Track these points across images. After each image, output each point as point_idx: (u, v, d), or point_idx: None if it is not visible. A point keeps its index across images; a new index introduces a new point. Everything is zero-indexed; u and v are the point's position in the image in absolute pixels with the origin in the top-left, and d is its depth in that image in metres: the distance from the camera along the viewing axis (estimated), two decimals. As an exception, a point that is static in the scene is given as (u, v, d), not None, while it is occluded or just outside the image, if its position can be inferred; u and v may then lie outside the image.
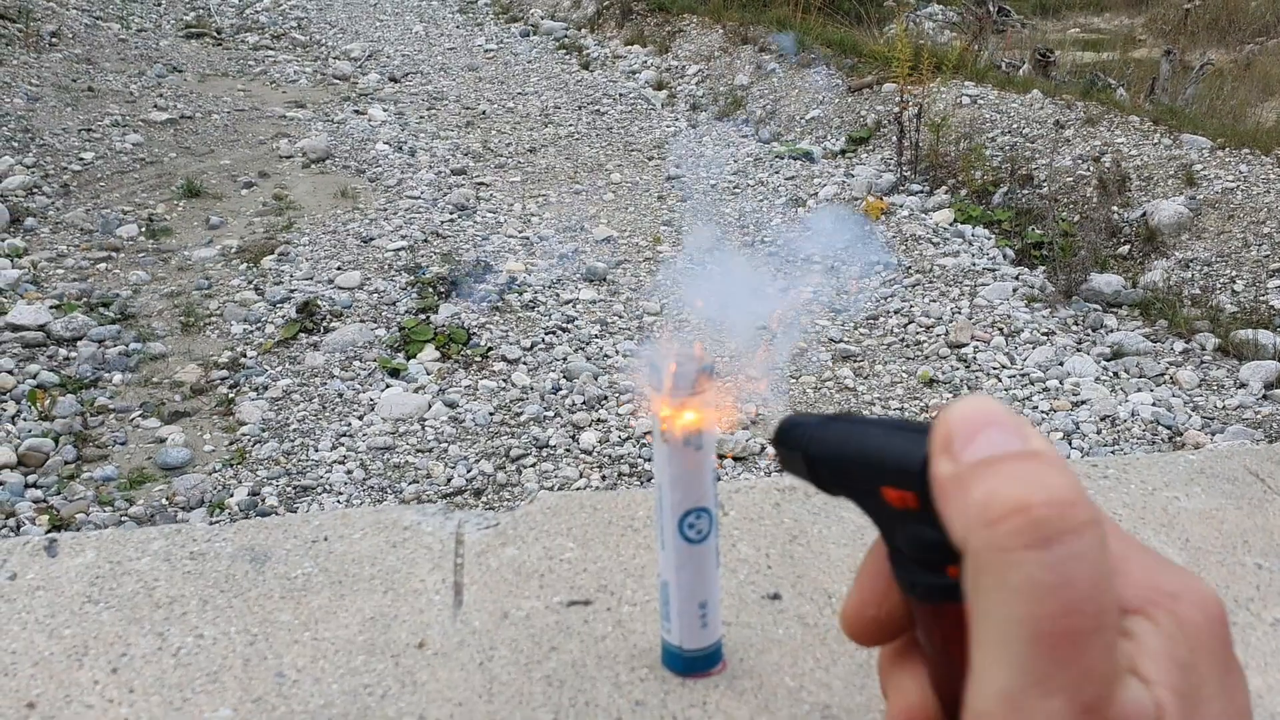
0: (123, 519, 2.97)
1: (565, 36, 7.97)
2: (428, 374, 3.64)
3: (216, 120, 6.68)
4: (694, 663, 0.52)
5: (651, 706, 0.50)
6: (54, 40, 8.05)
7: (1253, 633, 0.59)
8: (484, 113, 6.64)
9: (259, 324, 4.05)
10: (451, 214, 4.93)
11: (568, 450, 3.24)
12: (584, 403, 3.45)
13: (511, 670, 0.53)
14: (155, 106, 6.82)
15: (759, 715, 0.50)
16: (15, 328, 4.25)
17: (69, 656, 0.55)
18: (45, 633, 0.57)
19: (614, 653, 0.54)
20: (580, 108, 6.64)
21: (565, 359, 3.70)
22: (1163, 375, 3.72)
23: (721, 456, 3.20)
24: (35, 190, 5.52)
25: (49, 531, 2.84)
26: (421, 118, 6.55)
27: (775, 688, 0.52)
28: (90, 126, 6.45)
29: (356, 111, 6.64)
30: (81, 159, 5.97)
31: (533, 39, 8.06)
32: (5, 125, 6.27)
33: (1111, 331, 4.04)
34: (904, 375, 3.74)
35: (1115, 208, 4.73)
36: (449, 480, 3.11)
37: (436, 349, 3.79)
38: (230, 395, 3.55)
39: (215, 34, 8.82)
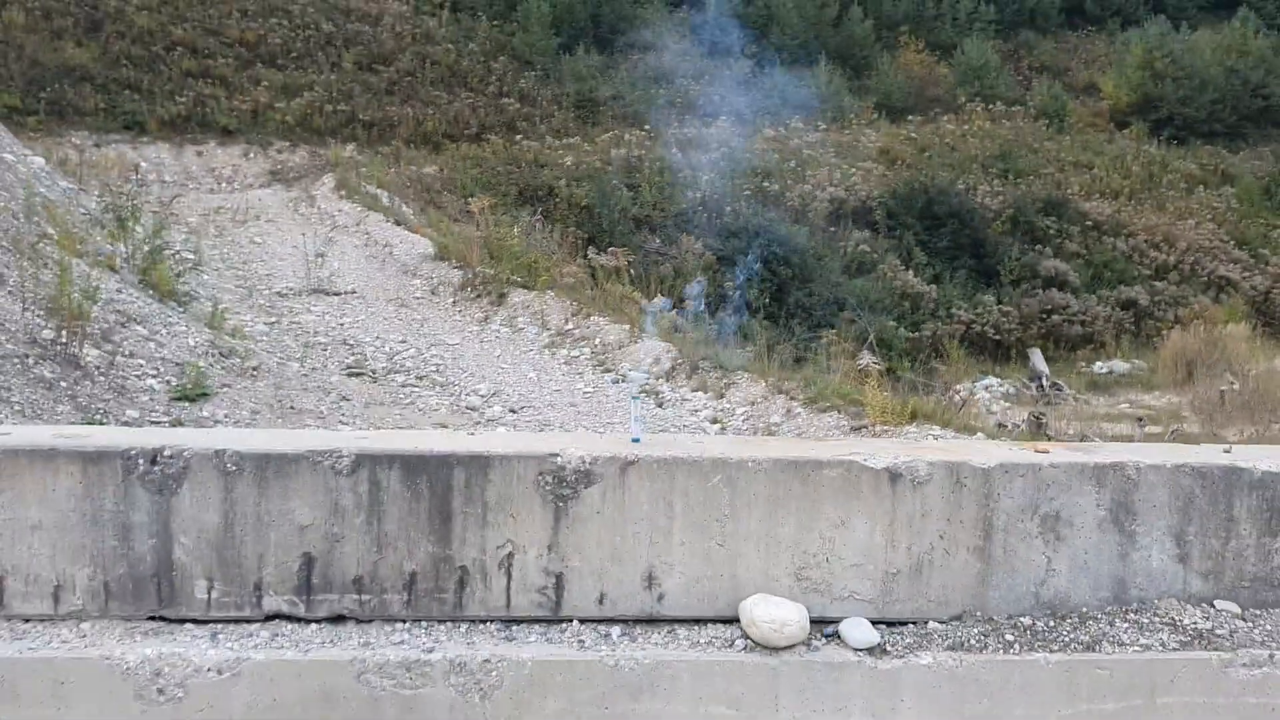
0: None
1: (647, 384, 11.82)
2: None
3: (385, 432, 10.47)
4: (636, 440, 3.89)
5: (631, 447, 3.86)
6: (254, 372, 12.17)
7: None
8: (581, 434, 10.33)
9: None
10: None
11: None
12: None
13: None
14: (340, 421, 10.67)
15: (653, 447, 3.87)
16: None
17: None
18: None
19: (618, 441, 3.92)
20: (654, 434, 10.28)
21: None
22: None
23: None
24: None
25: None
26: (535, 436, 10.26)
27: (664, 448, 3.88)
28: (297, 431, 10.26)
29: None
30: (295, 451, 9.72)
31: (620, 385, 11.91)
32: (239, 426, 10.13)
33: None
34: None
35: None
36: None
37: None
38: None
39: (371, 374, 12.91)
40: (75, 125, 21.32)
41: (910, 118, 24.92)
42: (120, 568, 3.68)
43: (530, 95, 24.57)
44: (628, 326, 13.32)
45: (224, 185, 20.82)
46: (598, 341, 13.38)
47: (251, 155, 21.90)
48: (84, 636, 3.62)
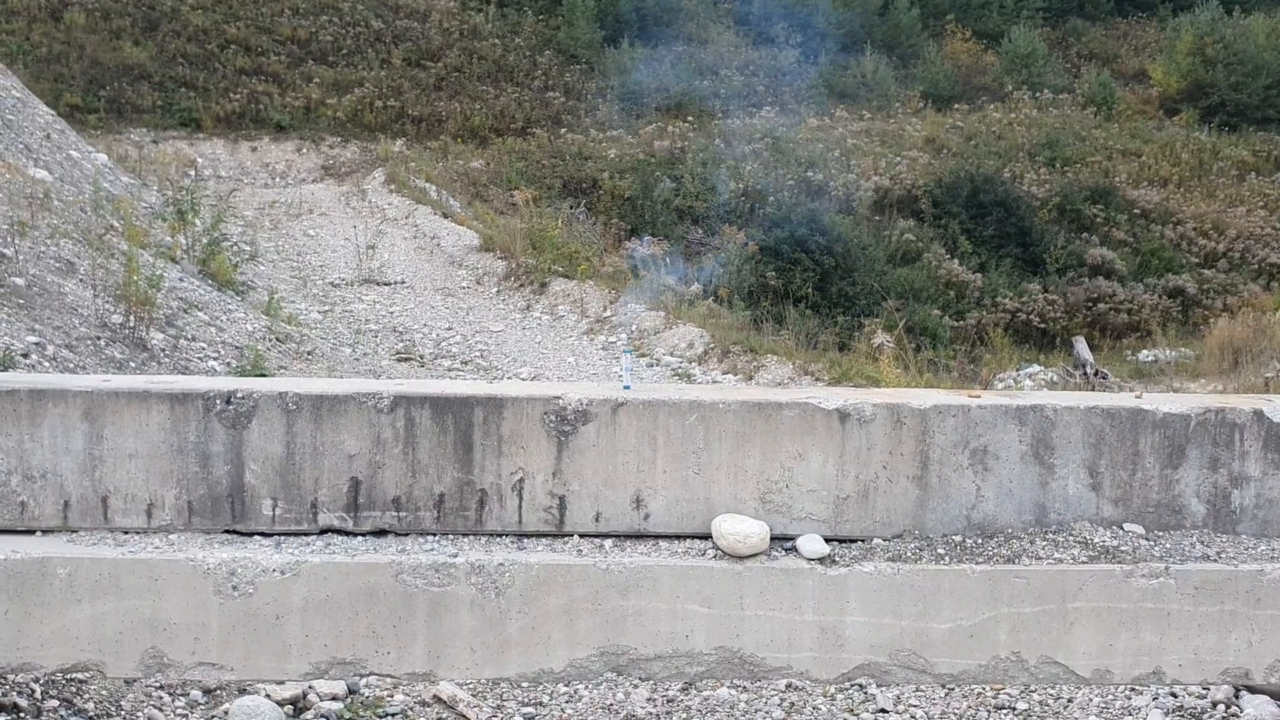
0: None
1: (680, 367, 12.68)
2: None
3: (430, 410, 11.42)
4: (627, 388, 4.76)
5: (621, 392, 4.72)
6: (309, 356, 13.19)
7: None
8: (614, 412, 11.21)
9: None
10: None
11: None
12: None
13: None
14: (388, 400, 11.63)
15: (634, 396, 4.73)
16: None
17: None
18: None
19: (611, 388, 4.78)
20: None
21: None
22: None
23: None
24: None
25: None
26: (570, 413, 11.16)
27: (649, 393, 4.74)
28: (348, 409, 11.25)
29: (526, 408, 11.30)
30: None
31: (655, 368, 12.79)
32: (294, 406, 11.14)
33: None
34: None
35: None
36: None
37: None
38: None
39: (419, 359, 13.88)
40: (134, 122, 22.62)
41: (956, 106, 25.52)
42: (201, 489, 4.63)
43: (575, 89, 25.56)
44: (663, 313, 14.20)
45: (278, 180, 21.99)
46: (634, 327, 14.26)
47: (304, 151, 23.07)
48: (172, 544, 4.56)
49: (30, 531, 4.60)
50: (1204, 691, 4.60)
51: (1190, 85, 26.13)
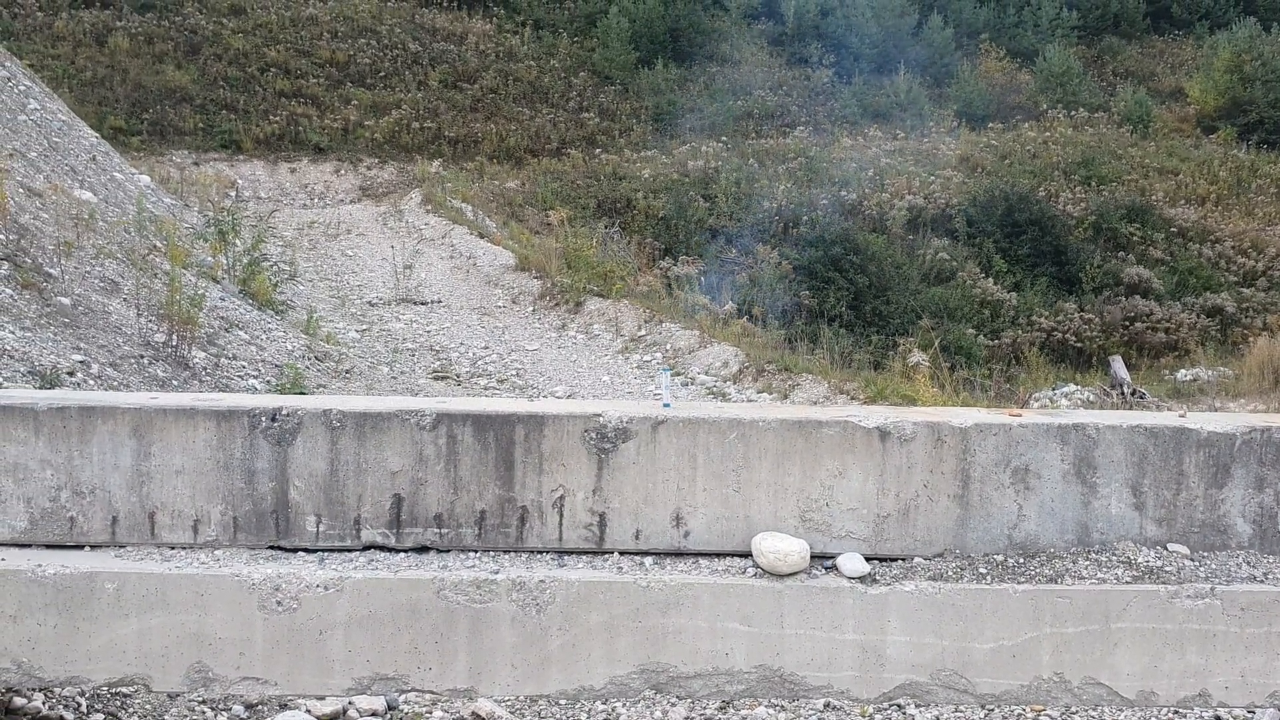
0: None
1: (715, 386, 12.68)
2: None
3: (466, 428, 11.46)
4: (666, 406, 4.76)
5: (661, 410, 4.73)
6: (348, 375, 13.28)
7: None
8: (650, 430, 11.21)
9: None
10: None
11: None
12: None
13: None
14: (425, 418, 11.68)
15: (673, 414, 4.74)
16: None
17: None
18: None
19: (651, 406, 4.79)
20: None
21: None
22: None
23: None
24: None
25: None
26: (606, 431, 11.16)
27: (689, 411, 4.74)
28: (385, 427, 11.30)
29: (562, 426, 11.32)
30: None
31: (690, 387, 12.79)
32: (332, 424, 11.20)
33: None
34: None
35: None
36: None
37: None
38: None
39: (455, 378, 13.95)
40: (176, 145, 22.89)
41: (991, 125, 25.41)
42: (246, 505, 4.67)
43: (610, 110, 25.64)
44: (698, 332, 14.20)
45: (316, 201, 22.19)
46: (669, 346, 14.28)
47: (342, 172, 23.26)
48: (218, 560, 4.60)
49: (79, 546, 4.66)
50: (1249, 715, 4.54)
51: (1228, 102, 25.89)
